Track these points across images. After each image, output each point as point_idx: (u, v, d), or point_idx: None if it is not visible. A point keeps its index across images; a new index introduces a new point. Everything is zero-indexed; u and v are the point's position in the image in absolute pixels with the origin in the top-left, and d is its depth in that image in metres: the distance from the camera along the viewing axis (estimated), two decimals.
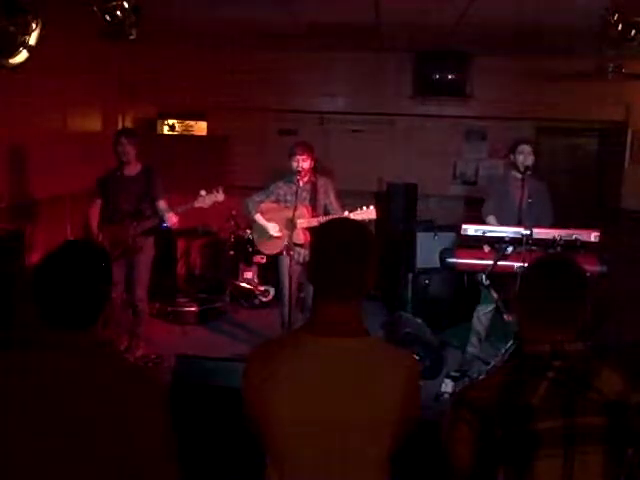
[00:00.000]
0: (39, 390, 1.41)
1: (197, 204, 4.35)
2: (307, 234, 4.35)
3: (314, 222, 4.26)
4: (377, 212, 4.21)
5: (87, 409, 1.40)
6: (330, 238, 1.55)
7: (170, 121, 7.12)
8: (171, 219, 4.40)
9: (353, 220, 1.74)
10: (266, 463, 1.51)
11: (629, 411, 1.48)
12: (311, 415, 1.43)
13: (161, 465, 1.46)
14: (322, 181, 4.51)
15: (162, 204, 4.51)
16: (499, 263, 4.06)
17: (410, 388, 1.49)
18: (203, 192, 4.33)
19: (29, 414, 1.39)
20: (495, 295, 4.35)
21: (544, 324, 1.58)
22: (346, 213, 4.19)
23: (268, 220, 4.52)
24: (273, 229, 4.49)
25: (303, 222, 4.30)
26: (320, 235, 1.61)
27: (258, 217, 4.55)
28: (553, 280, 1.61)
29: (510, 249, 4.02)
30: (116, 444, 1.39)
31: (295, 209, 4.20)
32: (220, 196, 4.35)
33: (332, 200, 4.47)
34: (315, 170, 4.52)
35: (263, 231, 4.56)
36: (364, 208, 4.21)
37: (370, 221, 4.13)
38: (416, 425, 1.55)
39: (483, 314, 4.55)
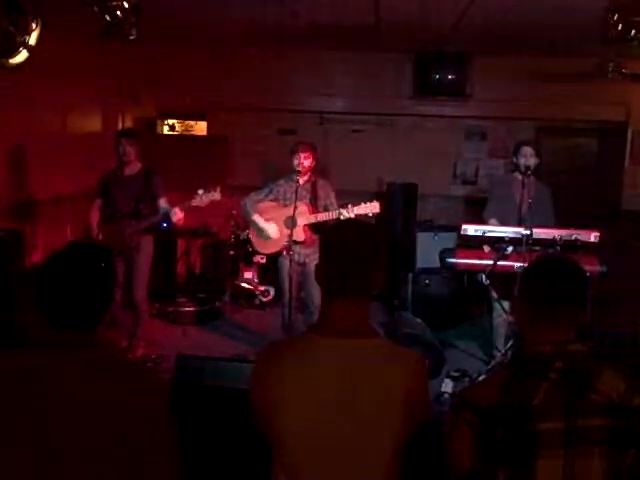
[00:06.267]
0: (39, 393, 1.40)
1: (194, 203, 4.36)
2: (308, 232, 4.34)
3: (313, 219, 4.26)
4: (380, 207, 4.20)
5: (88, 411, 1.40)
6: (339, 240, 1.55)
7: (170, 121, 7.11)
8: (177, 215, 4.40)
9: (361, 221, 1.74)
10: (272, 464, 1.52)
11: (631, 413, 1.48)
12: (319, 416, 1.43)
13: (162, 465, 1.46)
14: (322, 182, 4.51)
15: (163, 202, 4.51)
16: (499, 263, 4.06)
17: (418, 389, 1.50)
18: (200, 191, 4.34)
19: (29, 417, 1.39)
20: (495, 295, 4.34)
21: (544, 324, 1.57)
22: (349, 207, 4.17)
23: (267, 220, 4.49)
24: (272, 232, 4.46)
25: (303, 219, 4.30)
26: (329, 237, 1.61)
27: (257, 218, 4.51)
28: (553, 280, 1.60)
29: (510, 249, 4.02)
30: (117, 444, 1.39)
31: (295, 207, 4.20)
32: (217, 195, 4.36)
33: (332, 201, 4.46)
34: (314, 171, 4.52)
35: (261, 232, 4.54)
36: (368, 203, 4.20)
37: (373, 215, 4.14)
38: (423, 425, 1.55)
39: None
